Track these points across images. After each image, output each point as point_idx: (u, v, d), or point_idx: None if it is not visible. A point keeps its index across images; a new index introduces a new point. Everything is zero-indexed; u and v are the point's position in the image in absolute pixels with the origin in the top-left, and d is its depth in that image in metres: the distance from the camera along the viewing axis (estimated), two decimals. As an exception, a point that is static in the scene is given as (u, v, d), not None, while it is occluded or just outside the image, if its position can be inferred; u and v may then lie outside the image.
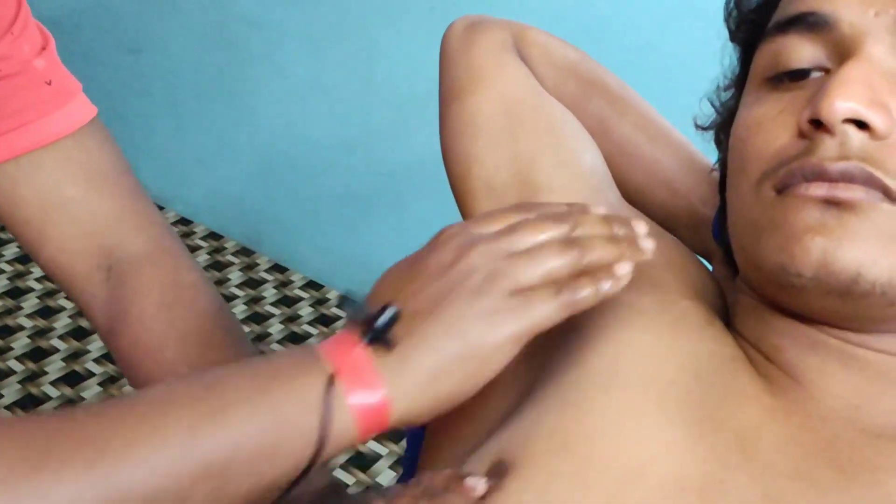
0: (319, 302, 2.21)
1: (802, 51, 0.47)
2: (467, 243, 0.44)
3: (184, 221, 2.47)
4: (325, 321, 2.15)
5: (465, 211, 0.65)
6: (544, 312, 0.42)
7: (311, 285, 2.27)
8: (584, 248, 0.44)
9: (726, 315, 0.55)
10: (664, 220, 0.69)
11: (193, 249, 2.36)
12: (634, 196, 0.70)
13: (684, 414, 0.45)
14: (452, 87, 0.67)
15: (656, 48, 1.53)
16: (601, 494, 0.42)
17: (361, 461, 1.77)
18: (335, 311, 2.19)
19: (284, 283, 2.27)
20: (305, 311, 2.18)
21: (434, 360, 0.41)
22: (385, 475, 1.75)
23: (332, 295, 2.23)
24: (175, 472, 0.35)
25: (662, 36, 1.52)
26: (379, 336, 0.41)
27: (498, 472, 0.44)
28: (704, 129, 0.63)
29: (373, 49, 1.91)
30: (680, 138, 0.69)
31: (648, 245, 0.46)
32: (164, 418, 0.36)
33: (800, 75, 0.47)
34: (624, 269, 0.44)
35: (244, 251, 2.37)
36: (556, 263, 0.43)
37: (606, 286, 0.43)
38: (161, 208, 2.49)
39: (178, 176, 2.46)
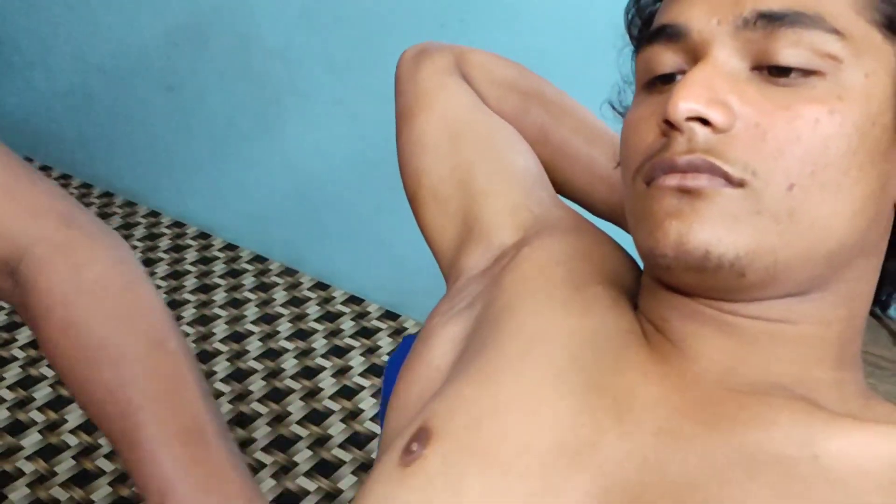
0: (360, 315, 2.30)
1: (666, 58, 0.52)
2: None
3: (230, 247, 2.59)
4: (365, 333, 2.24)
5: (419, 220, 0.72)
6: None
7: (352, 300, 2.36)
8: None
9: None
10: (608, 214, 0.75)
11: (239, 273, 2.48)
12: (579, 196, 0.76)
13: (577, 385, 0.51)
14: (403, 110, 0.75)
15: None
16: (497, 466, 0.48)
17: (325, 468, 1.82)
18: (375, 323, 2.27)
19: (327, 300, 2.36)
20: (347, 324, 2.27)
21: None
22: (347, 480, 1.79)
23: (373, 308, 2.32)
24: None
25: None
26: None
27: (421, 439, 0.51)
28: None
29: (389, 69, 1.98)
30: (616, 138, 0.75)
31: None
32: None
33: (667, 79, 0.53)
34: None
35: (288, 271, 2.48)
36: None
37: None
38: (208, 236, 2.61)
39: (221, 205, 2.57)
